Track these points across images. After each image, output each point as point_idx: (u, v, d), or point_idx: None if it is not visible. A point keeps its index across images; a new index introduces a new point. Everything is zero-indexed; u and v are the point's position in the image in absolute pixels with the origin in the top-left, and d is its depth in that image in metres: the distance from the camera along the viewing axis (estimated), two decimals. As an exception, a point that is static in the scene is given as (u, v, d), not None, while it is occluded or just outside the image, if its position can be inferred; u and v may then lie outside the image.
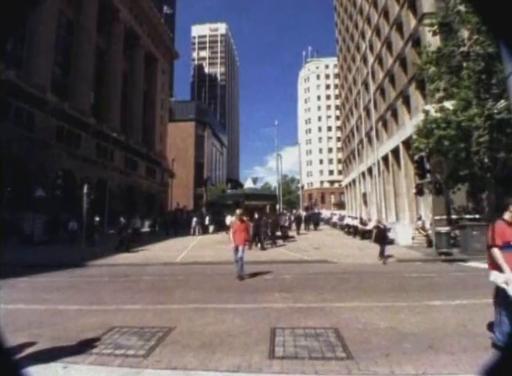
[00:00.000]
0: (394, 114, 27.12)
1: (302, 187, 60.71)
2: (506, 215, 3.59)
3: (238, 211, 8.70)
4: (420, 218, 16.31)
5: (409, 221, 21.71)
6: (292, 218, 25.42)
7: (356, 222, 20.64)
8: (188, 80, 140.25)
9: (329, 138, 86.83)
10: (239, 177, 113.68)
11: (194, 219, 22.47)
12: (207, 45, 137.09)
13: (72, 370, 3.20)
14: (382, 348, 3.63)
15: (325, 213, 44.84)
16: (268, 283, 7.65)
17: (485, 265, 9.31)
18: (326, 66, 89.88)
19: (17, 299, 6.27)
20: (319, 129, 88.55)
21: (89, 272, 10.00)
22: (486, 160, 11.70)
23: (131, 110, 44.01)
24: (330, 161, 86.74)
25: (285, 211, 34.19)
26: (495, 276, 3.40)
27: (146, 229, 26.79)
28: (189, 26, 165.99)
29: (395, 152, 26.44)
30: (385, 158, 29.19)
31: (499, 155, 11.95)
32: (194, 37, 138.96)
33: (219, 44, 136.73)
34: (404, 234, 14.96)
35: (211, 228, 22.11)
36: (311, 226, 26.37)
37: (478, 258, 10.55)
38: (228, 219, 23.58)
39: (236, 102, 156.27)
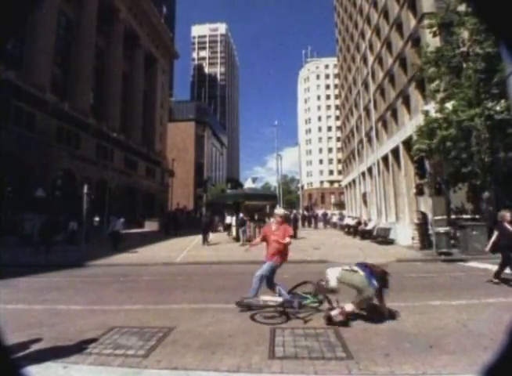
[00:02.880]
0: (394, 114, 27.13)
1: (302, 187, 60.76)
2: None
3: (280, 212, 5.77)
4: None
5: (409, 221, 21.71)
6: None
7: (355, 222, 20.70)
8: (188, 80, 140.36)
9: (329, 138, 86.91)
10: (239, 177, 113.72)
11: (216, 218, 24.67)
12: (207, 45, 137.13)
13: (72, 370, 3.20)
14: (382, 348, 3.63)
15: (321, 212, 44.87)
16: (268, 283, 7.63)
17: (485, 265, 9.33)
18: (326, 66, 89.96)
19: (17, 299, 6.28)
20: (319, 129, 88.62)
21: (89, 272, 10.00)
22: (486, 159, 11.70)
23: (131, 110, 44.02)
24: (330, 161, 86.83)
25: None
26: None
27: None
28: (189, 26, 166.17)
29: (395, 152, 26.45)
30: (385, 158, 29.20)
31: (499, 155, 11.95)
32: (194, 38, 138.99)
33: (219, 44, 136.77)
34: (404, 234, 14.95)
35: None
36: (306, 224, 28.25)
37: (478, 258, 10.55)
38: (229, 219, 24.12)
39: (235, 102, 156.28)
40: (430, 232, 12.18)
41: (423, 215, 13.42)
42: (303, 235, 20.60)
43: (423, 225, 13.08)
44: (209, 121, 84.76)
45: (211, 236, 17.47)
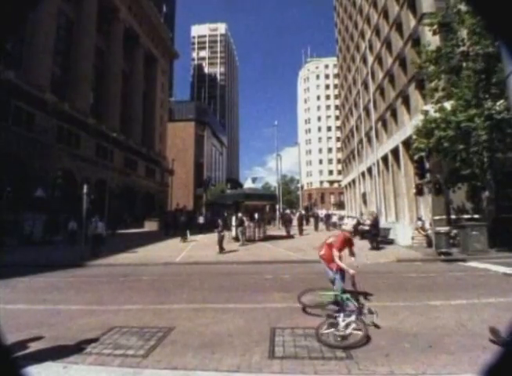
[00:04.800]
0: (394, 114, 27.13)
1: (302, 187, 60.74)
2: None
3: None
4: (419, 219, 16.33)
5: (409, 221, 21.72)
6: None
7: (354, 222, 20.78)
8: (187, 80, 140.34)
9: (329, 138, 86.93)
10: (238, 177, 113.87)
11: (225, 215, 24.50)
12: (207, 45, 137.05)
13: (72, 370, 3.20)
14: (382, 348, 3.63)
15: (323, 213, 44.39)
16: (268, 283, 7.65)
17: (485, 265, 9.32)
18: (326, 66, 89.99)
19: (17, 299, 6.28)
20: (319, 129, 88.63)
21: (89, 272, 10.00)
22: (485, 160, 11.71)
23: (131, 110, 44.01)
24: (330, 161, 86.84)
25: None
26: None
27: None
28: (188, 26, 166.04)
29: (395, 152, 26.45)
30: (385, 158, 29.20)
31: (499, 155, 11.96)
32: (194, 37, 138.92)
33: (219, 44, 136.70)
34: (404, 234, 14.95)
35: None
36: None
37: (478, 258, 10.57)
38: (201, 219, 24.11)
39: (235, 102, 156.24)
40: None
41: (375, 217, 14.37)
42: (302, 236, 20.60)
43: (373, 227, 13.71)
44: (209, 120, 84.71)
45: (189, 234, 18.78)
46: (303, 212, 31.81)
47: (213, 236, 19.44)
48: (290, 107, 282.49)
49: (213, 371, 3.17)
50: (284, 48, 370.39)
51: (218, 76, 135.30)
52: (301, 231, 21.38)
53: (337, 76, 67.05)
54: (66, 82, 32.31)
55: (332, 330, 4.00)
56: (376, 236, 13.60)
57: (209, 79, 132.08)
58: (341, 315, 4.14)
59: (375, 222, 13.93)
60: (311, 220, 28.65)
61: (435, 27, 13.57)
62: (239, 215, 16.30)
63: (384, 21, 29.21)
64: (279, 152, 36.09)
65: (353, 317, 4.09)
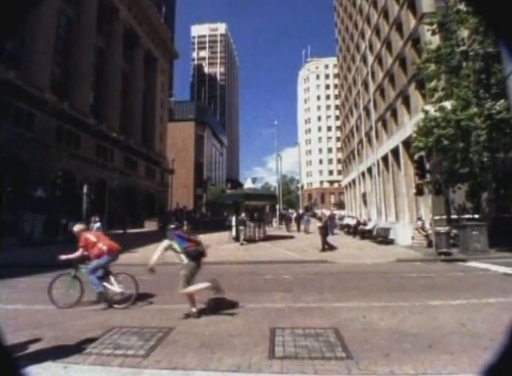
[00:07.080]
0: (394, 114, 27.14)
1: (302, 187, 60.77)
2: None
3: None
4: (419, 219, 16.32)
5: (409, 221, 21.73)
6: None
7: (355, 221, 20.85)
8: (187, 80, 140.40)
9: (329, 138, 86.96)
10: (238, 177, 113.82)
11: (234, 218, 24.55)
12: (207, 45, 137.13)
13: (72, 370, 3.19)
14: (382, 348, 3.63)
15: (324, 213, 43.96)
16: (267, 283, 7.64)
17: (485, 265, 9.31)
18: (326, 66, 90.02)
19: (17, 299, 6.27)
20: (319, 129, 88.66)
21: (89, 272, 9.97)
22: (485, 159, 11.70)
23: (131, 110, 44.03)
24: (330, 161, 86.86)
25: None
26: None
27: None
28: (188, 26, 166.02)
29: (395, 152, 26.46)
30: (385, 158, 29.21)
31: (499, 155, 11.95)
32: (194, 37, 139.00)
33: (219, 44, 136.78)
34: (404, 234, 14.96)
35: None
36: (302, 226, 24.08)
37: (478, 258, 10.56)
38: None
39: (235, 102, 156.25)
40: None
41: (325, 220, 14.81)
42: (302, 236, 20.61)
43: (323, 229, 13.85)
44: (209, 121, 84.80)
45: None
46: (301, 212, 32.02)
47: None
48: (290, 107, 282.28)
49: (213, 371, 3.17)
50: (284, 48, 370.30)
51: (218, 76, 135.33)
52: (298, 228, 23.04)
53: (337, 76, 67.08)
54: (66, 82, 32.34)
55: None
56: (324, 236, 13.58)
57: (209, 79, 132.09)
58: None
59: (325, 225, 14.27)
60: (312, 220, 28.16)
61: (435, 26, 13.56)
62: (243, 215, 16.37)
63: (383, 21, 29.21)
64: (279, 152, 36.16)
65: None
